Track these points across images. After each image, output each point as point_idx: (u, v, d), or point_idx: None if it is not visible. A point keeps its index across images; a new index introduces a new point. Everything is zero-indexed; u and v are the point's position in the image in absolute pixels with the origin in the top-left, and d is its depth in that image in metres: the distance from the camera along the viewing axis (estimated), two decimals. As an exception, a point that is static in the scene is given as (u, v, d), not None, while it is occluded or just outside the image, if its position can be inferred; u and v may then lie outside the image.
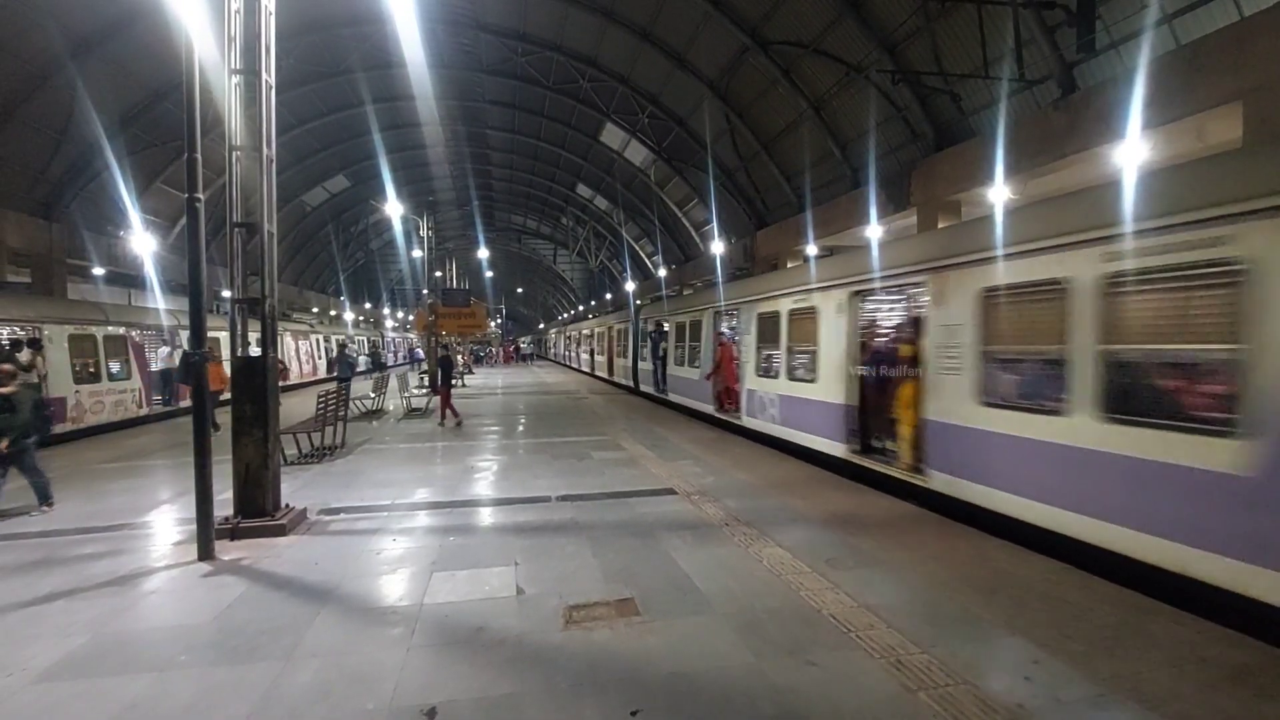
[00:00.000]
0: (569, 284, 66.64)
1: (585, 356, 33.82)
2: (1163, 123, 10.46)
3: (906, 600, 4.36)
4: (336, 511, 6.82)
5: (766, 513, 6.49)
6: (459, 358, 33.89)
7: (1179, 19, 11.13)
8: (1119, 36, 12.00)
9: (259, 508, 6.03)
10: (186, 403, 14.02)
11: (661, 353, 18.16)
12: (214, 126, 6.37)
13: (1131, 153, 11.05)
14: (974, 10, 12.95)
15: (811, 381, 9.53)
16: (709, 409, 13.86)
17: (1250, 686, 3.24)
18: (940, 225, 14.67)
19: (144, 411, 15.08)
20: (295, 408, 13.71)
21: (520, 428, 13.42)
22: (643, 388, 20.56)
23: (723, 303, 13.37)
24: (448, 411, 13.99)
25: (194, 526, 5.46)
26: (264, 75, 6.18)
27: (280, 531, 5.94)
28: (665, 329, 17.95)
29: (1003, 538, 5.63)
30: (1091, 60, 12.25)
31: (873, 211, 17.83)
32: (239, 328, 6.26)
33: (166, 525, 6.51)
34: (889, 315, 9.22)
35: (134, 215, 21.31)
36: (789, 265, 21.06)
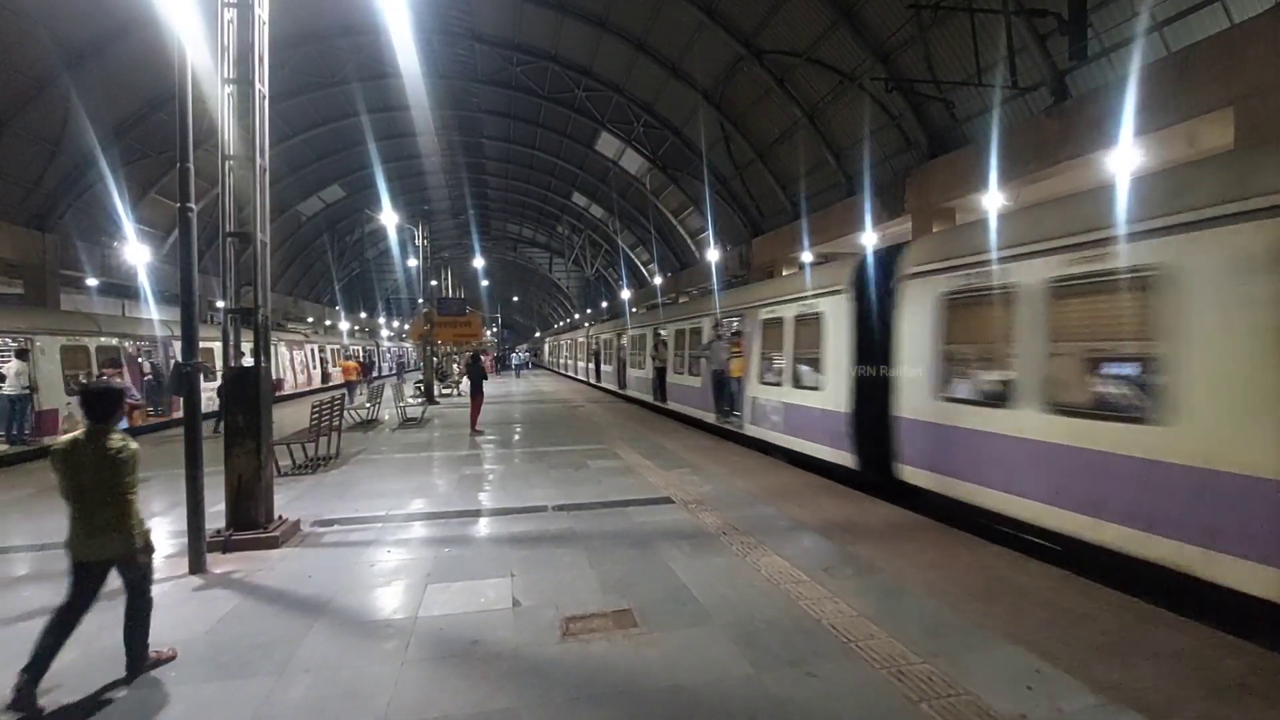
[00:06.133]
0: (565, 292, 66.72)
1: (572, 364, 37.63)
2: (1155, 129, 10.53)
3: (907, 609, 4.32)
4: (330, 523, 6.75)
5: (764, 521, 6.46)
6: (455, 366, 33.77)
7: (1169, 26, 11.23)
8: (1110, 44, 12.11)
9: (251, 520, 5.96)
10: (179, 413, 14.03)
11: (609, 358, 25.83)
12: (209, 137, 6.34)
13: (1124, 159, 11.12)
14: (966, 19, 13.05)
15: (697, 375, 15.13)
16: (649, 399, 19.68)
17: (1254, 694, 3.21)
18: (935, 231, 14.71)
19: (136, 423, 14.96)
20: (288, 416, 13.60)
21: (516, 436, 13.37)
22: (607, 385, 27.17)
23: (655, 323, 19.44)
24: (476, 420, 14.18)
25: (185, 539, 5.39)
26: (258, 85, 6.16)
27: (273, 544, 5.87)
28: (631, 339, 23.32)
29: (1002, 544, 5.62)
30: (1083, 67, 12.34)
31: (867, 219, 17.91)
32: (231, 338, 6.22)
33: (158, 538, 6.33)
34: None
35: (128, 226, 21.25)
36: (784, 273, 21.27)
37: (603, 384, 27.70)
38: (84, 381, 13.49)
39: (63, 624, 3.47)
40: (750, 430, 11.52)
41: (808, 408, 9.54)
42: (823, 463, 9.07)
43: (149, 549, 3.81)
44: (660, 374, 17.49)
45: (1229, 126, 9.56)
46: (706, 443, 11.72)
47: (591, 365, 30.35)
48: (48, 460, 3.63)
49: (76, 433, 3.60)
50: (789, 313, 10.30)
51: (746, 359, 11.86)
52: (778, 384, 10.60)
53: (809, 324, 9.65)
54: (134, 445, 3.67)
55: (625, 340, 22.96)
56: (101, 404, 3.60)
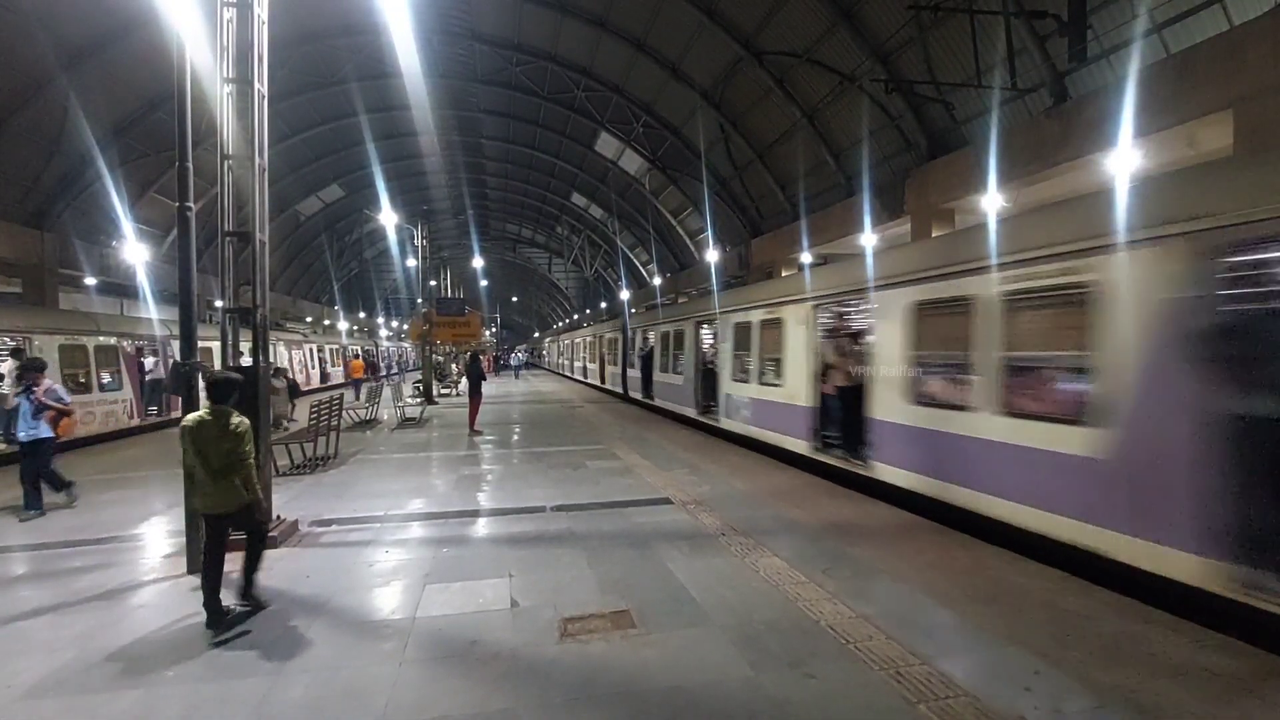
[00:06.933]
0: (564, 292, 66.65)
1: (595, 369, 34.36)
2: (1154, 131, 10.53)
3: (905, 610, 4.32)
4: (329, 523, 6.74)
5: (763, 522, 6.45)
6: (454, 366, 33.75)
7: (1169, 28, 11.24)
8: (1110, 46, 12.12)
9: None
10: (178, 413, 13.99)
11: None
12: (208, 136, 6.35)
13: (1124, 161, 11.12)
14: (966, 20, 13.05)
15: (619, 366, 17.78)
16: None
17: (1253, 695, 3.21)
18: (934, 233, 14.73)
19: (135, 422, 14.95)
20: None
21: (515, 437, 13.36)
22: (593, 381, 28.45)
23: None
24: (475, 420, 14.24)
25: (184, 539, 5.38)
26: (257, 84, 6.15)
27: (271, 544, 5.84)
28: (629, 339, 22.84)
29: (989, 540, 5.61)
30: (1083, 69, 12.35)
31: (867, 220, 17.90)
32: (230, 337, 6.21)
33: (156, 538, 6.43)
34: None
35: (127, 225, 21.21)
36: (783, 274, 21.31)
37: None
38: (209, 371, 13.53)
39: (214, 563, 4.37)
40: None
41: None
42: None
43: (260, 504, 4.62)
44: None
45: (1229, 128, 9.56)
46: (704, 443, 11.71)
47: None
48: (177, 432, 4.42)
49: (202, 412, 4.45)
50: None
51: None
52: None
53: None
54: (247, 421, 4.50)
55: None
56: (221, 389, 4.50)
